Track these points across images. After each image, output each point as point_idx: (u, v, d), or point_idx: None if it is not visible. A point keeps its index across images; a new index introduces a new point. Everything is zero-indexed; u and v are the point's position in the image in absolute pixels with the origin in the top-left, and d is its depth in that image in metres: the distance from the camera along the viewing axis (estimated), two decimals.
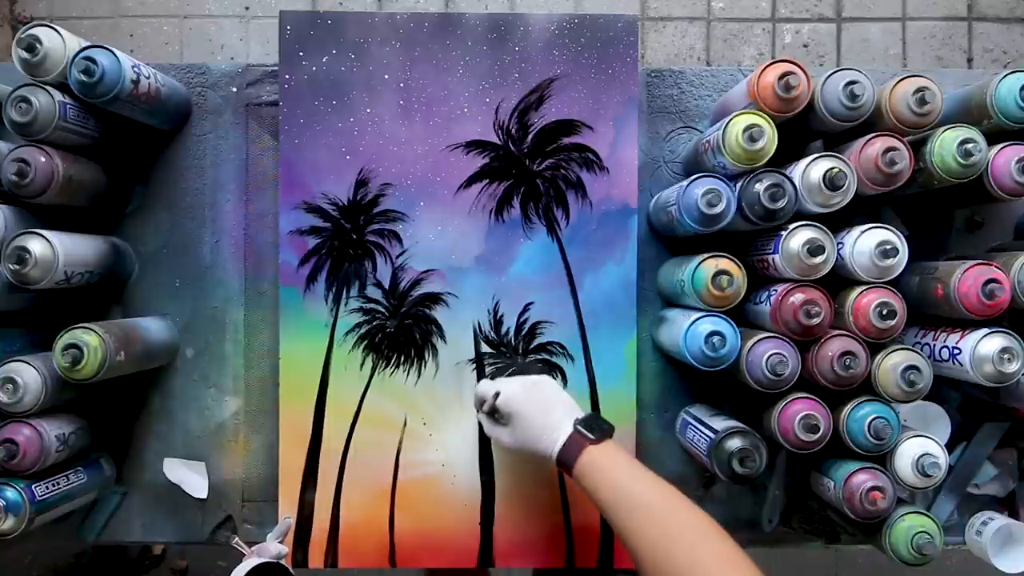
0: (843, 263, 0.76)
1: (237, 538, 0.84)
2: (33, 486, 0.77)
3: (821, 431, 0.75)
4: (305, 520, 0.88)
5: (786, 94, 0.74)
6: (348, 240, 0.89)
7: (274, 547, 0.81)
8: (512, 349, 0.90)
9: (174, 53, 1.94)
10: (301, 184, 0.89)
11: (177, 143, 0.93)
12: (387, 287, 0.89)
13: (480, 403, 0.81)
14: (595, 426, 0.74)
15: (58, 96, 0.77)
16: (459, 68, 0.89)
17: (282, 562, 0.79)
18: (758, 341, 0.76)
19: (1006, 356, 0.72)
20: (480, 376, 0.90)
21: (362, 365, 0.89)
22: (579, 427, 0.73)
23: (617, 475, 0.69)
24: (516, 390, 0.78)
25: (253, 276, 0.92)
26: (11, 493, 0.76)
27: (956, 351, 0.76)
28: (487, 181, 0.90)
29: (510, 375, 0.88)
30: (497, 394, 0.78)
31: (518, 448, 0.77)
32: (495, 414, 0.79)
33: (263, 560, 0.77)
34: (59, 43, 0.76)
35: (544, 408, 0.76)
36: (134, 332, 0.83)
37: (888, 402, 0.76)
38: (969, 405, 0.90)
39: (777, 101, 0.75)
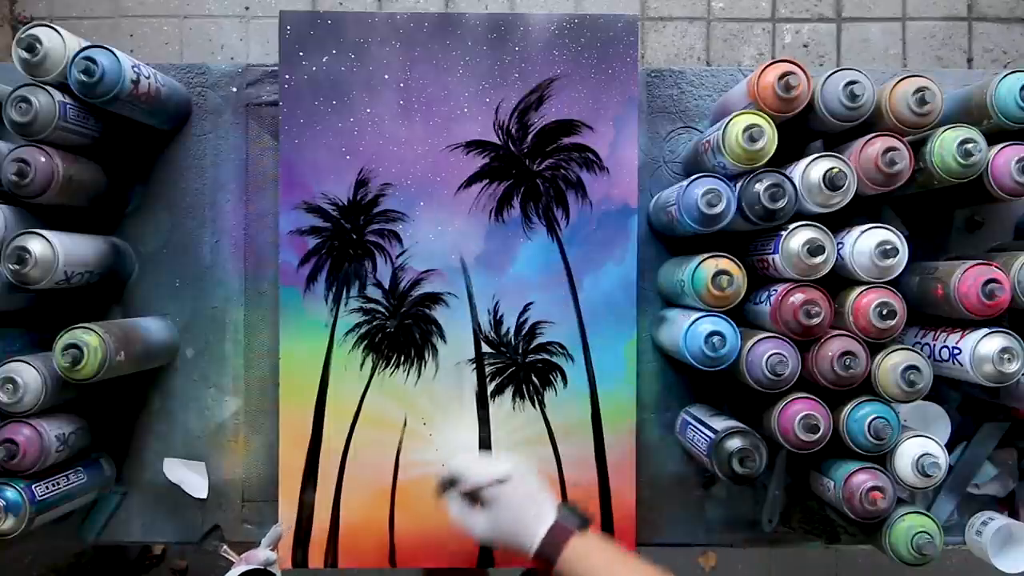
0: (843, 263, 0.76)
1: (225, 546, 0.84)
2: (33, 486, 0.77)
3: (821, 431, 0.75)
4: (305, 520, 0.88)
5: (786, 94, 0.74)
6: (348, 240, 0.89)
7: (263, 554, 0.80)
8: (512, 349, 0.90)
9: (174, 53, 1.94)
10: (301, 184, 0.89)
11: (177, 143, 0.93)
12: (387, 287, 0.89)
13: (446, 483, 0.75)
14: (576, 514, 0.71)
15: (58, 96, 0.77)
16: (459, 68, 0.89)
17: (270, 568, 0.78)
18: (758, 341, 0.76)
19: (1006, 356, 0.72)
20: (480, 376, 0.90)
21: (362, 365, 0.89)
22: (561, 519, 0.69)
23: (604, 563, 0.67)
24: (505, 470, 0.72)
25: (253, 276, 0.92)
26: (11, 493, 0.76)
27: (956, 351, 0.76)
28: (487, 181, 0.90)
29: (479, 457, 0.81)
30: (500, 481, 0.72)
31: (493, 537, 0.72)
32: (474, 496, 0.73)
33: (250, 567, 0.77)
34: (59, 43, 0.76)
35: (528, 498, 0.71)
36: (134, 332, 0.83)
37: (888, 402, 0.76)
38: (969, 405, 0.90)
39: (777, 101, 0.75)
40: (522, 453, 0.89)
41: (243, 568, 0.76)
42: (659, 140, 0.94)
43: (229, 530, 0.92)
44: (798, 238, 0.74)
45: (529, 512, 0.70)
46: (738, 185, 0.77)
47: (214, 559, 0.83)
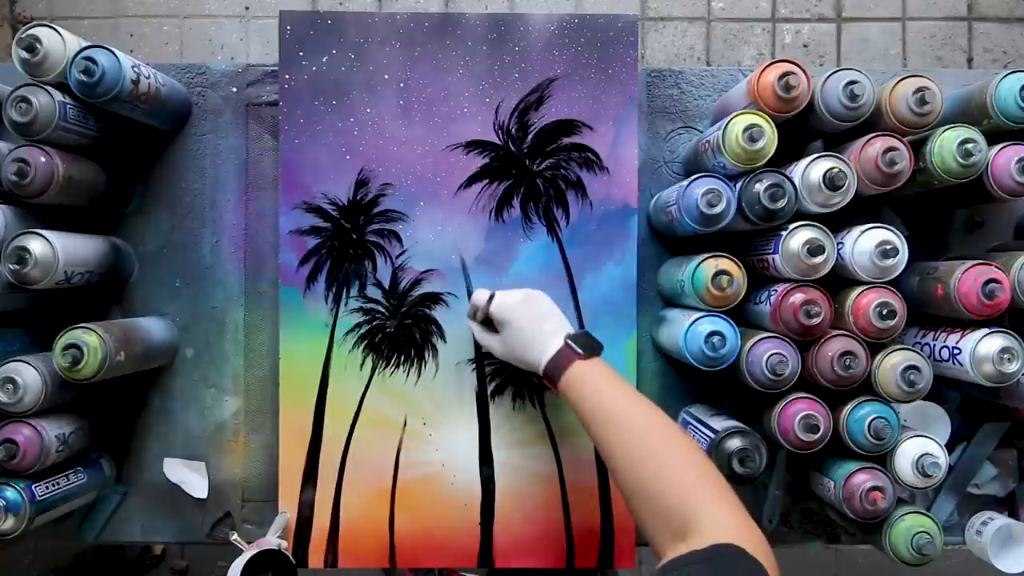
0: (843, 263, 0.76)
1: (236, 534, 0.84)
2: (33, 486, 0.77)
3: (821, 431, 0.75)
4: (305, 520, 0.88)
5: (786, 94, 0.74)
6: (348, 240, 0.89)
7: (274, 540, 0.81)
8: None
9: (174, 53, 1.95)
10: (301, 184, 0.89)
11: (177, 143, 0.93)
12: (387, 287, 0.89)
13: (474, 311, 0.83)
14: (585, 343, 0.75)
15: (58, 96, 0.77)
16: (459, 68, 0.89)
17: (282, 549, 0.79)
18: (758, 341, 0.76)
19: (1006, 356, 0.72)
20: (480, 376, 0.90)
21: (362, 365, 0.89)
22: (569, 342, 0.74)
23: (601, 389, 0.70)
24: (511, 300, 0.79)
25: (253, 276, 0.92)
26: (11, 493, 0.76)
27: (956, 351, 0.76)
28: (487, 181, 0.90)
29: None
30: (491, 299, 0.80)
31: (508, 357, 0.80)
32: (488, 323, 0.81)
33: (264, 549, 0.77)
34: (59, 43, 0.76)
35: (536, 320, 0.78)
36: (134, 332, 0.83)
37: (888, 402, 0.76)
38: (969, 405, 0.90)
39: (777, 101, 0.75)
40: (522, 453, 0.89)
41: (256, 550, 0.76)
42: (659, 140, 0.94)
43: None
44: (798, 238, 0.74)
45: (537, 336, 0.76)
46: (738, 185, 0.77)
47: (214, 561, 0.83)
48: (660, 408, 0.69)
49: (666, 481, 0.62)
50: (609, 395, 0.70)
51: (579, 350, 0.74)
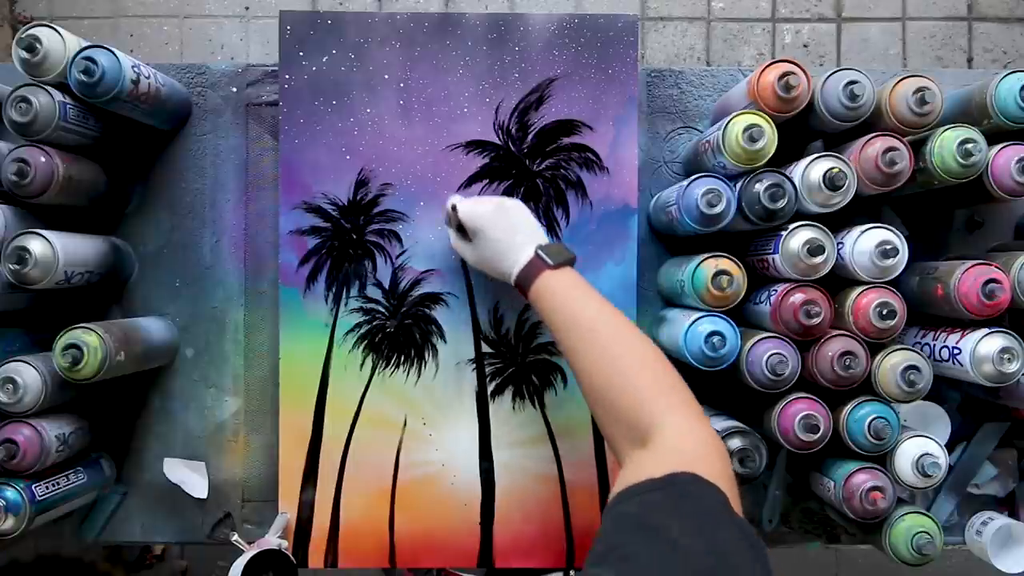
0: (843, 263, 0.76)
1: (236, 535, 0.84)
2: (33, 486, 0.77)
3: (821, 431, 0.75)
4: (305, 520, 0.88)
5: (786, 94, 0.74)
6: (348, 240, 0.89)
7: (275, 541, 0.81)
8: (512, 349, 0.90)
9: (174, 53, 1.94)
10: (301, 184, 0.89)
11: (177, 143, 0.93)
12: (387, 287, 0.89)
13: (448, 218, 0.83)
14: (556, 253, 0.74)
15: (58, 96, 0.77)
16: (459, 68, 0.89)
17: (282, 549, 0.79)
18: (758, 341, 0.76)
19: (1006, 356, 0.72)
20: (480, 376, 0.90)
21: (362, 365, 0.89)
22: (540, 252, 0.74)
23: (570, 298, 0.70)
24: (483, 209, 0.79)
25: (253, 276, 0.92)
26: (11, 493, 0.76)
27: (956, 351, 0.76)
28: (487, 181, 0.90)
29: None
30: (455, 207, 0.79)
31: (481, 266, 0.80)
32: (462, 230, 0.80)
33: (264, 549, 0.77)
34: (59, 43, 0.76)
35: (508, 230, 0.77)
36: (134, 332, 0.83)
37: (888, 402, 0.76)
38: (969, 405, 0.90)
39: (777, 101, 0.75)
40: (522, 453, 0.89)
41: (256, 550, 0.77)
42: (659, 140, 0.94)
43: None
44: (798, 238, 0.74)
45: (509, 246, 0.76)
46: (738, 185, 0.77)
47: (214, 561, 0.83)
48: (626, 317, 0.69)
49: (628, 386, 0.62)
50: (577, 304, 0.70)
51: (549, 260, 0.73)
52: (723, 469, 0.56)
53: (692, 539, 0.47)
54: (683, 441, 0.58)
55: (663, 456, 0.57)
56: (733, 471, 0.57)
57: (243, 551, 0.78)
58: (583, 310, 0.69)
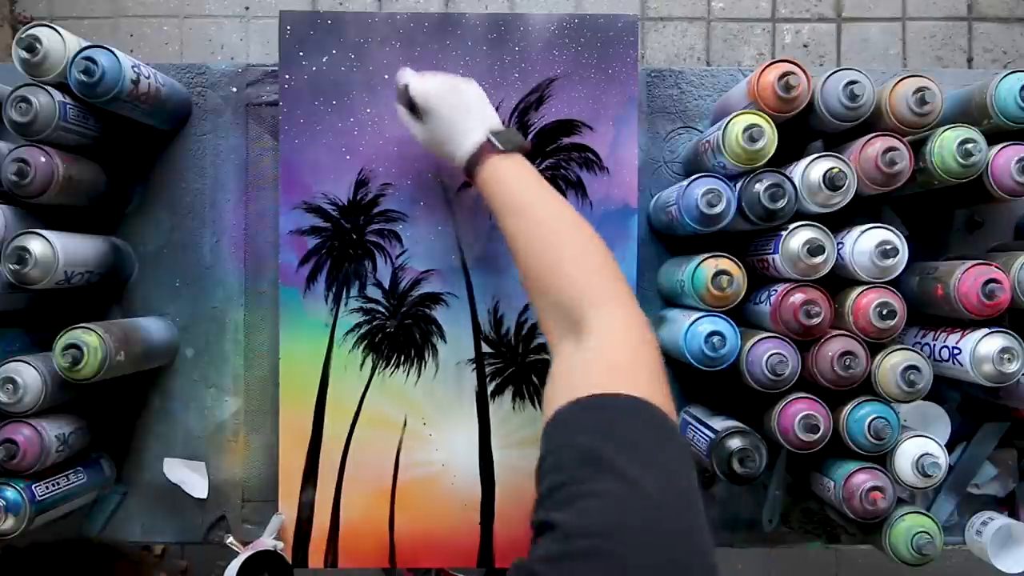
0: (843, 263, 0.76)
1: (231, 537, 0.84)
2: (33, 486, 0.77)
3: (821, 431, 0.75)
4: (305, 520, 0.88)
5: (786, 94, 0.74)
6: (348, 240, 0.89)
7: (270, 542, 0.81)
8: (512, 349, 0.90)
9: (174, 53, 1.95)
10: (301, 184, 0.89)
11: (177, 143, 0.93)
12: (387, 287, 0.89)
13: (399, 93, 0.79)
14: (508, 138, 0.71)
15: (58, 96, 0.77)
16: (459, 68, 0.89)
17: (277, 550, 0.79)
18: (758, 341, 0.76)
19: (1006, 356, 0.72)
20: (480, 376, 0.90)
21: (362, 365, 0.89)
22: (491, 136, 0.71)
23: (515, 184, 0.69)
24: (432, 87, 0.75)
25: (253, 276, 0.92)
26: (11, 493, 0.76)
27: (956, 351, 0.76)
28: None
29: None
30: (407, 85, 0.76)
31: (430, 148, 0.77)
32: (414, 108, 0.77)
33: (260, 550, 0.77)
34: (59, 43, 0.76)
35: (461, 110, 0.74)
36: (134, 332, 0.83)
37: (888, 402, 0.76)
38: (969, 405, 0.90)
39: (777, 101, 0.75)
40: (522, 453, 0.89)
41: (251, 551, 0.77)
42: (659, 140, 0.94)
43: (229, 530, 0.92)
44: (798, 238, 0.74)
45: (458, 126, 0.73)
46: (738, 185, 0.77)
47: (214, 561, 0.83)
48: (570, 204, 0.68)
49: (563, 272, 0.61)
50: (521, 189, 0.68)
51: (499, 145, 0.70)
52: (653, 372, 0.53)
53: (643, 471, 0.45)
54: (615, 343, 0.56)
55: (594, 363, 0.55)
56: (655, 358, 0.55)
57: (238, 553, 0.78)
58: (527, 194, 0.67)
